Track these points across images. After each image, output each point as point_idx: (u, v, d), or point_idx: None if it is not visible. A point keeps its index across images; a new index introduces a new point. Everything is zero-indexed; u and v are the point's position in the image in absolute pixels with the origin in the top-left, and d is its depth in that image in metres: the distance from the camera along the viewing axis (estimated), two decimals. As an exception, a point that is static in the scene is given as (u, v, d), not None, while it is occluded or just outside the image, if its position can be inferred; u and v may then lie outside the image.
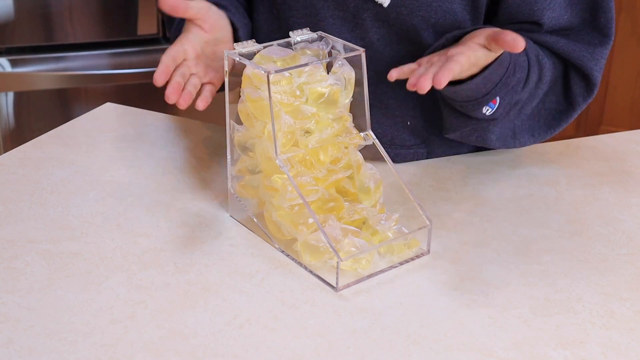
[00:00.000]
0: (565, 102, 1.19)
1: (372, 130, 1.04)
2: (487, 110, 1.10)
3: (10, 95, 2.15)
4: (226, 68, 1.00)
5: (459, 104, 1.11)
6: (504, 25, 1.16)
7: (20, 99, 2.16)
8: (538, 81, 1.14)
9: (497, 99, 1.09)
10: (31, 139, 1.28)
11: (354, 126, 1.02)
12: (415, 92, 1.19)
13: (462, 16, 1.13)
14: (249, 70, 0.98)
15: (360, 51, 0.99)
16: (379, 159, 1.05)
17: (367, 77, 1.00)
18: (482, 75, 1.04)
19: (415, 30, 1.13)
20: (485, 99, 1.08)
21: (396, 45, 1.15)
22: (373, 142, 1.03)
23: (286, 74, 0.97)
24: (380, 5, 1.11)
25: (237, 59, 0.98)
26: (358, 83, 1.01)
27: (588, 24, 1.14)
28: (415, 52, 1.15)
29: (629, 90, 2.94)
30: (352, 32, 1.14)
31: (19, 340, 0.84)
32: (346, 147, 1.02)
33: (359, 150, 1.04)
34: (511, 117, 1.15)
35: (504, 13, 1.15)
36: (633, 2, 2.82)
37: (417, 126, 1.22)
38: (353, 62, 1.00)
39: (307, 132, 0.99)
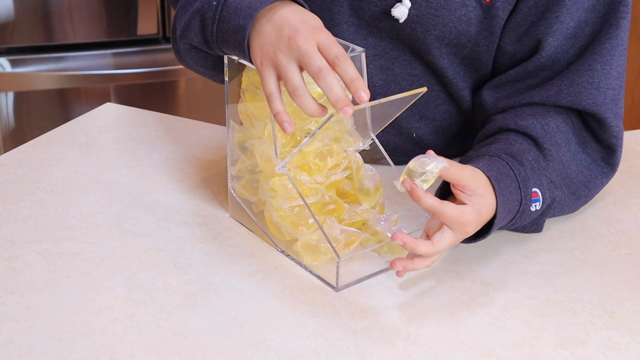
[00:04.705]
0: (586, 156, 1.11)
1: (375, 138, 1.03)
2: (535, 206, 1.00)
3: (10, 95, 2.15)
4: (226, 68, 1.00)
5: (512, 226, 1.02)
6: (507, 47, 1.11)
7: (20, 99, 2.16)
8: (554, 144, 1.05)
9: (535, 190, 0.99)
10: (31, 139, 1.28)
11: (355, 128, 1.02)
12: (422, 106, 1.18)
13: (477, 39, 1.11)
14: (249, 71, 0.98)
15: (361, 51, 0.99)
16: (379, 160, 1.05)
17: (375, 87, 0.98)
18: (498, 194, 0.95)
19: (427, 47, 1.11)
20: (523, 204, 0.98)
21: (408, 57, 1.14)
22: (373, 142, 1.03)
23: (286, 74, 0.96)
24: (397, 19, 1.10)
25: (237, 59, 0.98)
26: None
27: (589, 49, 1.08)
28: (425, 67, 1.14)
29: (629, 90, 2.94)
30: (365, 40, 1.13)
31: (19, 340, 0.84)
32: (345, 151, 1.02)
33: (359, 152, 1.03)
34: (565, 191, 1.06)
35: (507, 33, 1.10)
36: (632, 2, 2.82)
37: (422, 138, 1.21)
38: (353, 62, 1.00)
39: (308, 133, 0.99)
